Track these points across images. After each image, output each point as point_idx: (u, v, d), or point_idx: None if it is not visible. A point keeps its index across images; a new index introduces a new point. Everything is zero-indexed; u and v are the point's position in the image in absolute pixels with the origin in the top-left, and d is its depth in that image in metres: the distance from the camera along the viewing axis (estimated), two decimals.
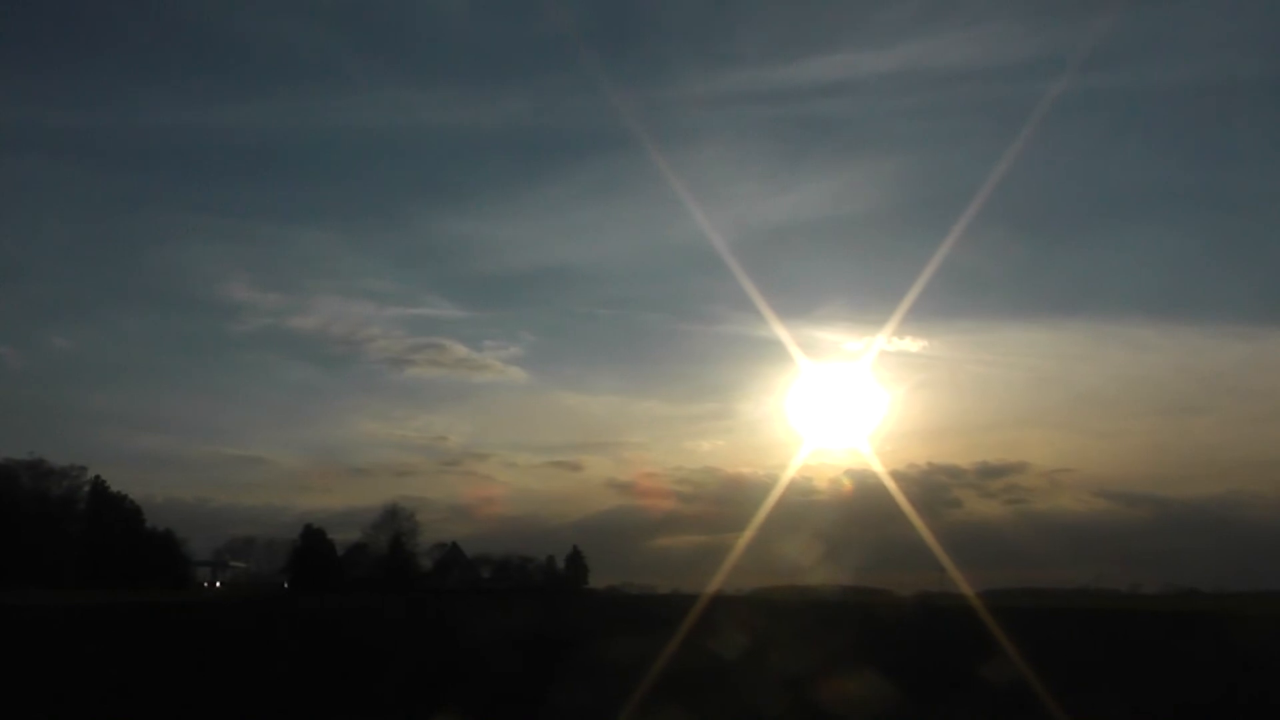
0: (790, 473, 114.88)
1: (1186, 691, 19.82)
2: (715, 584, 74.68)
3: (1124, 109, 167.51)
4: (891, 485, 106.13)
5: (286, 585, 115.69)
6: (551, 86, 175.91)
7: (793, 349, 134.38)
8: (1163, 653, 31.09)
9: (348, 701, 17.31)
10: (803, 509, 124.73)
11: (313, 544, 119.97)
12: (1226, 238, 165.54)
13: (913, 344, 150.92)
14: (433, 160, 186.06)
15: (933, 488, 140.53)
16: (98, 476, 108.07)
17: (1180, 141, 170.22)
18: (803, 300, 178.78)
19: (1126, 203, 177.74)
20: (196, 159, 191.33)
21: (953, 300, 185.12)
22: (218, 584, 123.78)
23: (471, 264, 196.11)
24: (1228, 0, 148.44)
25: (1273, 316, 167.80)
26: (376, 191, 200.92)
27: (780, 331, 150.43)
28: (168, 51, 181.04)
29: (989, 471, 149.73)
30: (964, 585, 71.08)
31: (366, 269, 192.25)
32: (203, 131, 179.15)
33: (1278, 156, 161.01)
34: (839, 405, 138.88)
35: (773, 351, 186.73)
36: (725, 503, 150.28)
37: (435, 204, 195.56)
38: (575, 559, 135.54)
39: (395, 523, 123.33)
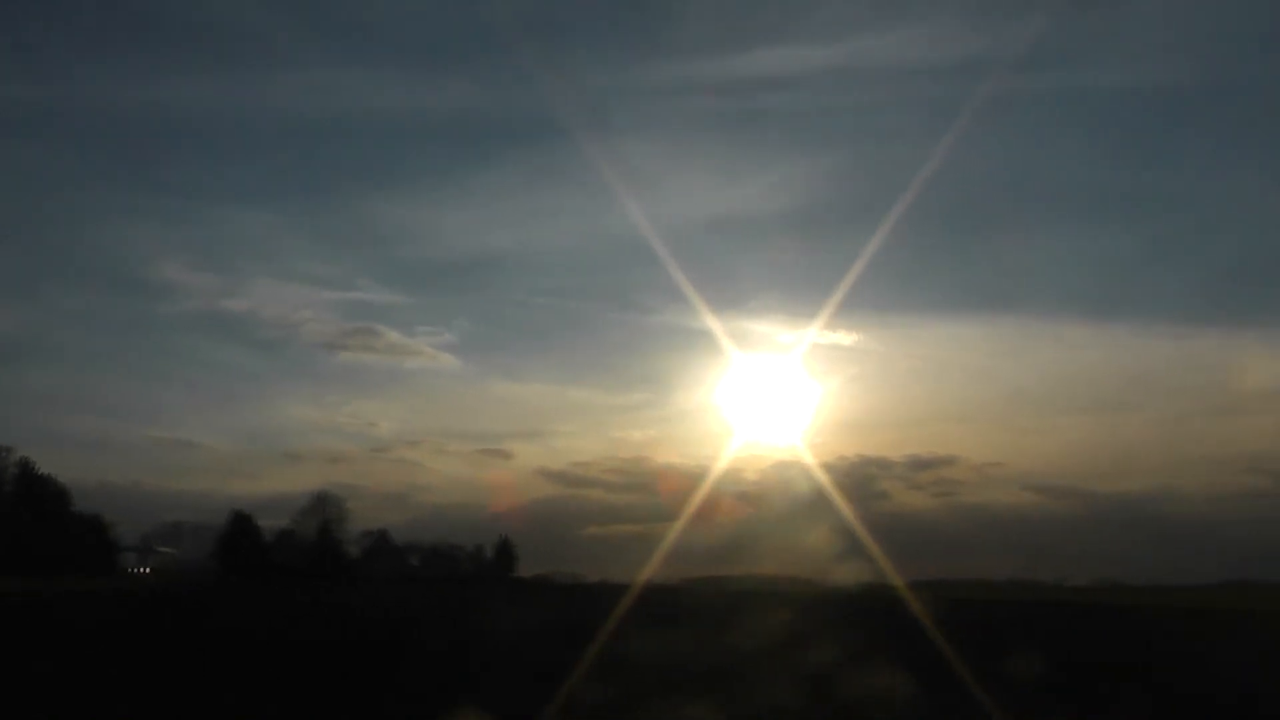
0: (721, 463, 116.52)
1: (1109, 681, 21.44)
2: (645, 574, 75.51)
3: (1058, 110, 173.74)
4: (822, 476, 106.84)
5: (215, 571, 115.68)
6: (493, 73, 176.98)
7: (725, 341, 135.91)
8: (1090, 644, 33.05)
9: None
10: (733, 499, 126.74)
11: (241, 530, 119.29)
12: (1157, 239, 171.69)
13: (845, 337, 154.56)
14: (372, 144, 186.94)
15: (862, 479, 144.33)
16: (24, 457, 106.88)
17: (1113, 143, 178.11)
18: (737, 292, 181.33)
19: (1059, 202, 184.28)
20: (134, 137, 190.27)
21: (886, 295, 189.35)
22: (145, 570, 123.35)
23: (407, 249, 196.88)
24: (1163, 9, 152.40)
25: (1202, 316, 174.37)
26: (314, 173, 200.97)
27: (713, 323, 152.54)
28: (106, 28, 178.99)
29: (918, 464, 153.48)
30: (893, 576, 72.25)
31: (302, 251, 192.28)
32: (141, 109, 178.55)
33: (1209, 160, 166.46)
34: (771, 397, 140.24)
35: (706, 342, 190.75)
36: (656, 492, 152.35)
37: (373, 187, 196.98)
38: (504, 548, 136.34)
39: (324, 510, 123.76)
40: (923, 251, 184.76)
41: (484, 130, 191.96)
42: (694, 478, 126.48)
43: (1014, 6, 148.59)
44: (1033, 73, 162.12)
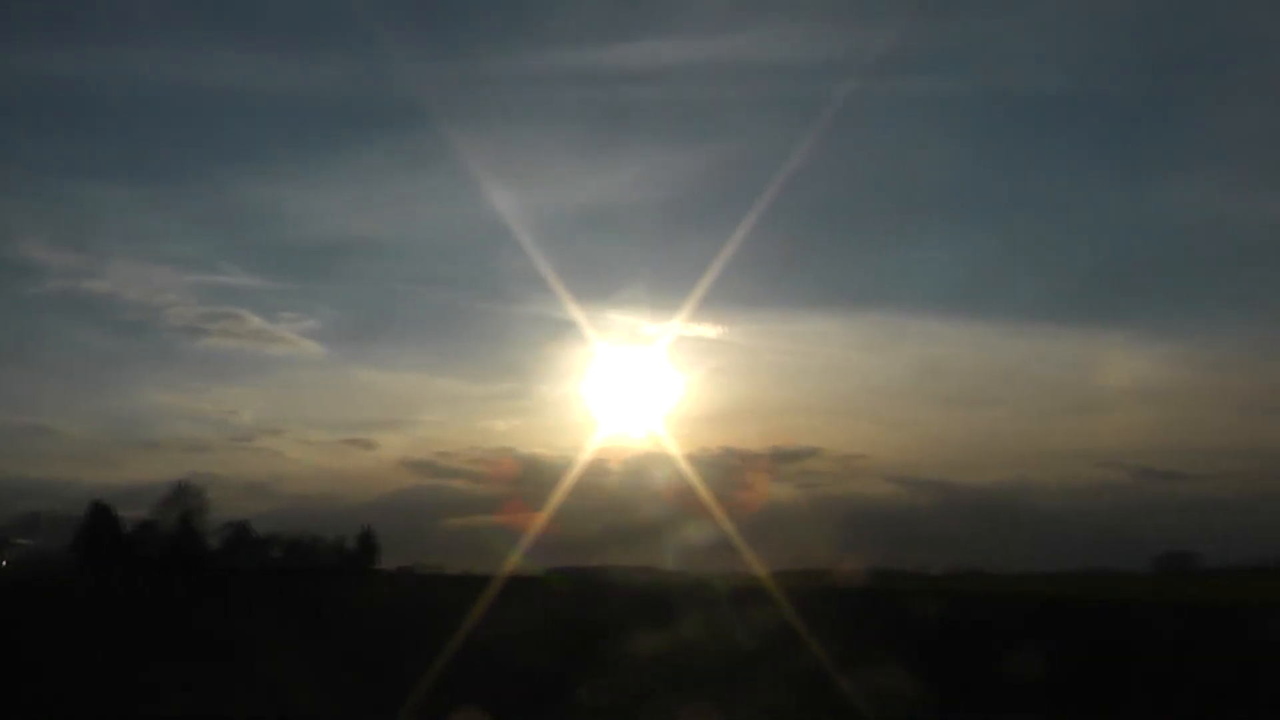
0: (586, 455, 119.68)
1: (962, 665, 23.15)
2: (509, 565, 78.50)
3: (923, 113, 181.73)
4: (686, 468, 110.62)
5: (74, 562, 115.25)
6: (362, 56, 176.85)
7: (590, 331, 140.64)
8: (948, 630, 34.95)
9: None
10: (597, 490, 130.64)
11: (100, 521, 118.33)
12: (1019, 241, 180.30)
13: (710, 330, 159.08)
14: (238, 122, 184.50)
15: (726, 471, 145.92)
16: None
17: (977, 148, 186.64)
18: (603, 283, 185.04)
19: (923, 203, 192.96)
20: None
21: (751, 289, 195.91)
22: (3, 563, 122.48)
23: (272, 232, 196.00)
24: (1026, 20, 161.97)
25: (1061, 315, 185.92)
26: (179, 152, 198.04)
27: (578, 314, 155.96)
28: None
29: (782, 456, 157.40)
30: (756, 566, 73.43)
31: (166, 232, 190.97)
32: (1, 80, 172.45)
33: (1070, 167, 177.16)
34: (636, 388, 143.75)
35: (572, 333, 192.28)
36: (520, 484, 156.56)
37: (238, 168, 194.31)
38: (366, 539, 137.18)
39: (184, 500, 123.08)
40: (788, 247, 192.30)
41: (352, 113, 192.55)
42: (559, 469, 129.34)
43: (882, 10, 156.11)
44: (899, 75, 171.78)
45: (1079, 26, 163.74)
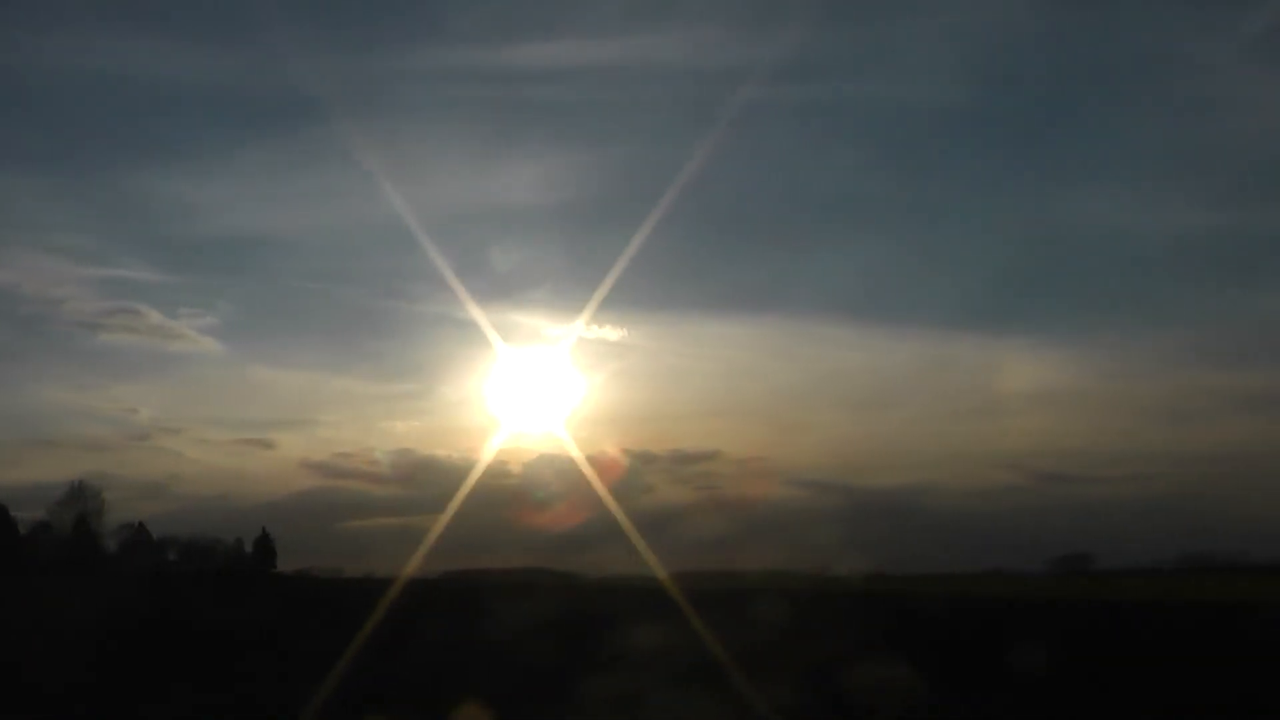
0: (487, 456, 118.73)
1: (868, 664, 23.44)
2: (410, 568, 77.83)
3: (828, 119, 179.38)
4: (587, 470, 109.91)
5: None
6: (266, 50, 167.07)
7: (491, 332, 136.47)
8: (850, 630, 34.88)
9: None
10: (498, 492, 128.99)
11: None
12: (921, 247, 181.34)
13: (612, 332, 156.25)
14: (140, 114, 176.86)
15: (626, 473, 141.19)
16: None
17: (881, 156, 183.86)
18: (505, 284, 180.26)
19: (826, 209, 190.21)
20: None
21: (654, 292, 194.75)
22: None
23: (173, 226, 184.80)
24: (933, 31, 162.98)
25: (961, 322, 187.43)
26: (78, 142, 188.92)
27: (479, 314, 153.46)
28: None
29: (682, 458, 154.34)
30: (657, 568, 72.18)
31: (64, 223, 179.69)
32: None
33: (972, 176, 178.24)
34: (537, 390, 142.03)
35: (474, 334, 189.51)
36: (420, 485, 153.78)
37: (140, 160, 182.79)
38: (264, 541, 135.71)
39: (82, 501, 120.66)
40: (691, 251, 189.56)
41: (254, 108, 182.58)
42: (460, 470, 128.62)
43: (785, 16, 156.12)
44: (801, 82, 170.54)
45: (983, 38, 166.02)
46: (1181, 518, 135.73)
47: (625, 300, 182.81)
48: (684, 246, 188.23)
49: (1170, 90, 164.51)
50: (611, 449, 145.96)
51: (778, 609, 43.60)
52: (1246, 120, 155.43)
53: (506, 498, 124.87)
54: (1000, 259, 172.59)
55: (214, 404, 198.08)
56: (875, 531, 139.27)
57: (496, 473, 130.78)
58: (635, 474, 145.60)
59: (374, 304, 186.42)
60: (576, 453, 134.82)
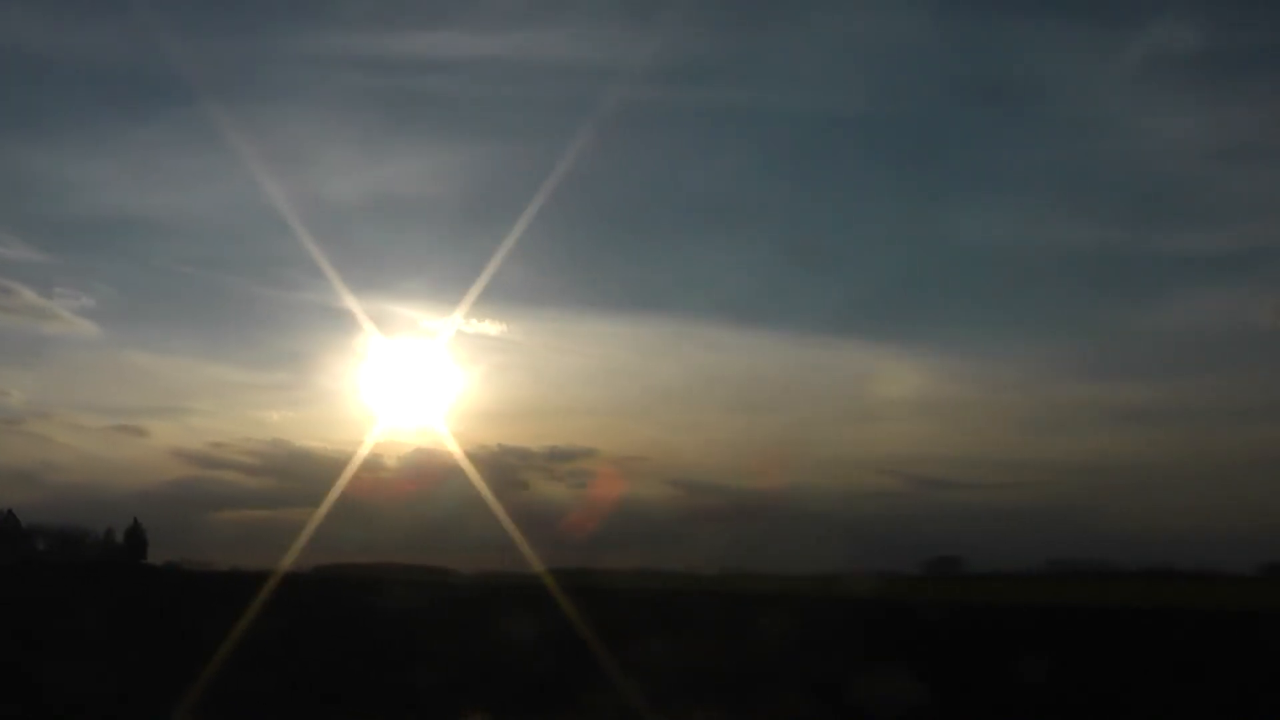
0: (363, 449, 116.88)
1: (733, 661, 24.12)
2: (283, 561, 75.26)
3: (714, 123, 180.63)
4: (465, 464, 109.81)
5: None
6: (145, 25, 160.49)
7: (367, 323, 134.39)
8: (722, 627, 35.89)
9: None
10: (372, 486, 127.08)
11: None
12: (804, 253, 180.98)
13: (492, 327, 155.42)
14: (16, 87, 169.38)
15: (503, 469, 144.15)
16: None
17: (767, 161, 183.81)
18: (383, 274, 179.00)
19: (712, 212, 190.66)
20: None
21: (535, 288, 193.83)
22: None
23: (48, 204, 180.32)
24: (828, 39, 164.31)
25: (843, 329, 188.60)
26: None
27: (356, 304, 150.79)
28: None
29: (558, 455, 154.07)
30: (533, 564, 74.35)
31: None
32: None
33: (857, 184, 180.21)
34: (414, 383, 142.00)
35: (350, 324, 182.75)
36: (293, 477, 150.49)
37: (15, 134, 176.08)
38: (135, 532, 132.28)
39: None
40: (574, 248, 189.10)
41: (133, 85, 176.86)
42: (334, 463, 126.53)
43: (677, 18, 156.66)
44: (689, 84, 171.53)
45: (872, 50, 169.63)
46: (1050, 524, 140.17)
47: (506, 295, 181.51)
48: (567, 243, 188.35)
49: (1054, 110, 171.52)
50: (489, 444, 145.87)
51: (638, 607, 43.82)
52: (1127, 142, 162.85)
53: (382, 492, 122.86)
54: (883, 268, 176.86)
55: (88, 388, 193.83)
56: (750, 533, 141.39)
57: (372, 466, 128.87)
58: (510, 469, 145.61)
59: (250, 291, 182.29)
60: (454, 447, 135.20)
